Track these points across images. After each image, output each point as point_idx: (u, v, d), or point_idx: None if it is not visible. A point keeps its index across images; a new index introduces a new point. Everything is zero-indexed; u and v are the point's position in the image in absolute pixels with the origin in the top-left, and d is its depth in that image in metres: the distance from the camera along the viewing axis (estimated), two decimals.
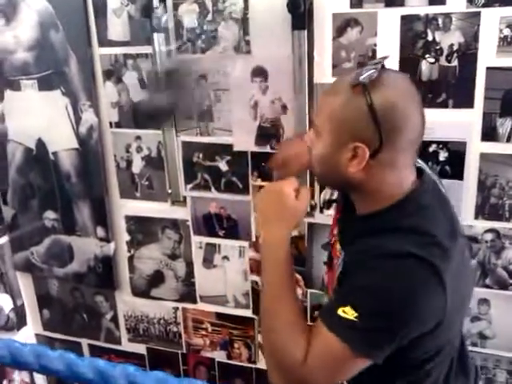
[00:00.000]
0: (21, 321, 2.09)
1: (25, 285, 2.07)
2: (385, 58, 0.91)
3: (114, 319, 1.99)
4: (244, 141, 1.55)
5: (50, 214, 1.88)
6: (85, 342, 2.09)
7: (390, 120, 0.85)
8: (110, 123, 1.69)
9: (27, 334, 2.11)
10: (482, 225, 1.41)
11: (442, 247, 0.86)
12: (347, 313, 0.84)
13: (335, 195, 1.49)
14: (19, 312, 2.07)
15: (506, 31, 1.24)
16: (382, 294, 0.84)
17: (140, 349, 2.00)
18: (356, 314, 0.84)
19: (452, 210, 0.99)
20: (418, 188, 0.93)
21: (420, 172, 0.96)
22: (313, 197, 1.54)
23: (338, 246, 1.06)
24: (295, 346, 0.90)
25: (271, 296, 0.97)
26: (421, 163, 1.03)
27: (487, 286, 1.46)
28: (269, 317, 0.97)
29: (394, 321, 0.84)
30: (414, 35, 1.31)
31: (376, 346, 0.86)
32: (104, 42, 1.59)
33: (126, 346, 2.02)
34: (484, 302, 1.49)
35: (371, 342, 0.85)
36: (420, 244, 0.85)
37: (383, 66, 0.88)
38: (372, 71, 0.85)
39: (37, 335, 2.15)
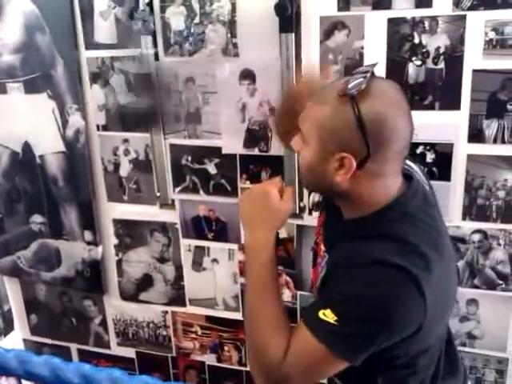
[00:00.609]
0: (8, 326, 2.07)
1: (12, 289, 2.05)
2: (374, 65, 0.90)
3: (103, 323, 1.98)
4: (232, 143, 1.55)
5: (36, 218, 1.86)
6: (74, 347, 2.07)
7: (378, 132, 0.84)
8: (97, 126, 1.68)
9: (15, 340, 2.09)
10: (470, 226, 1.42)
11: (424, 257, 0.86)
12: (327, 316, 0.86)
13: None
14: (6, 317, 2.05)
15: (491, 34, 1.25)
16: (362, 301, 0.85)
17: (129, 353, 1.99)
18: (336, 318, 0.85)
19: (438, 218, 0.99)
20: (403, 195, 0.93)
21: (408, 178, 0.96)
22: (302, 199, 1.54)
23: (322, 247, 1.06)
24: (276, 346, 0.91)
25: (255, 297, 0.98)
26: (411, 165, 1.03)
27: (475, 287, 1.47)
28: (252, 317, 0.98)
29: (371, 327, 0.85)
30: (401, 38, 1.31)
31: (353, 350, 0.87)
32: (91, 44, 1.58)
33: (116, 350, 2.01)
34: (472, 302, 1.50)
35: (349, 345, 0.86)
36: (402, 252, 0.86)
37: (372, 74, 0.88)
38: (360, 80, 0.85)
39: (24, 340, 2.13)
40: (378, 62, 0.95)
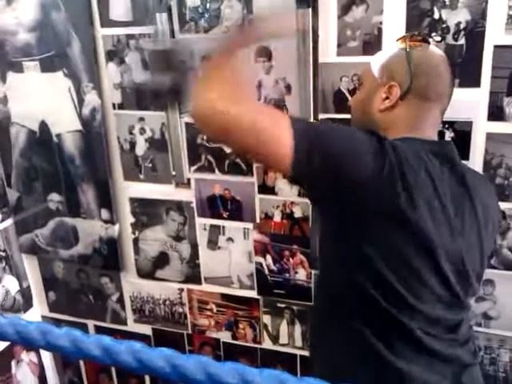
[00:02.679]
0: (27, 303, 2.10)
1: (30, 267, 2.09)
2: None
3: (120, 300, 2.00)
4: None
5: (54, 197, 1.88)
6: (91, 323, 2.11)
7: (423, 67, 1.02)
8: (113, 105, 1.68)
9: (33, 316, 2.13)
10: None
11: (408, 163, 0.92)
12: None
13: None
14: (25, 294, 2.09)
15: None
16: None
17: (146, 330, 2.02)
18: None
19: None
20: (428, 140, 1.02)
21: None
22: None
23: None
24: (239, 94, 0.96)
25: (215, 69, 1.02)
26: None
27: (492, 267, 1.46)
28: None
29: (322, 132, 0.95)
30: (420, 13, 1.29)
31: (304, 138, 0.90)
32: (106, 22, 1.57)
33: (132, 326, 2.04)
34: (489, 282, 1.49)
35: (301, 127, 0.91)
36: (389, 142, 0.94)
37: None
38: (416, 34, 1.08)
39: (43, 317, 2.17)
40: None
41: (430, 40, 1.14)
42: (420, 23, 1.29)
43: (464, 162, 1.36)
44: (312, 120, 1.36)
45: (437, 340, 0.99)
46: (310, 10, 1.33)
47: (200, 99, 0.93)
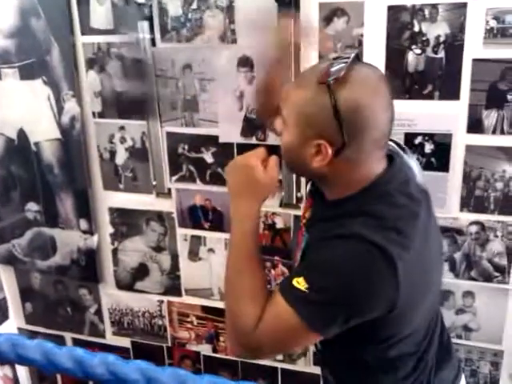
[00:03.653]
0: (3, 314, 2.06)
1: (7, 278, 2.05)
2: (356, 52, 0.91)
3: (98, 312, 1.97)
4: (230, 132, 1.53)
5: (32, 206, 1.85)
6: (68, 336, 2.07)
7: (354, 121, 0.84)
8: (93, 113, 1.66)
9: (9, 328, 2.09)
10: (467, 217, 1.42)
11: (401, 233, 0.87)
12: (300, 283, 0.88)
13: None
14: (1, 305, 2.05)
15: (493, 23, 1.24)
16: (332, 272, 0.86)
17: (125, 342, 1.99)
18: (306, 286, 0.87)
19: (424, 204, 0.98)
20: (383, 176, 0.93)
21: (391, 159, 0.96)
22: (299, 189, 1.53)
23: (303, 228, 1.08)
24: (251, 313, 0.93)
25: (235, 265, 0.99)
26: (395, 150, 1.02)
27: (472, 279, 1.47)
28: (231, 285, 0.99)
29: (337, 299, 0.86)
30: (401, 26, 1.30)
31: (319, 319, 0.87)
32: (87, 30, 1.56)
33: (111, 339, 2.00)
34: (469, 294, 1.49)
35: (315, 313, 0.87)
36: (379, 228, 0.86)
37: (356, 59, 0.88)
38: (340, 67, 0.84)
39: (19, 329, 2.13)
40: (358, 51, 0.99)
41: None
42: (400, 35, 1.30)
43: (444, 174, 1.38)
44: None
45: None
46: (292, 21, 1.33)
47: (233, 343, 0.98)
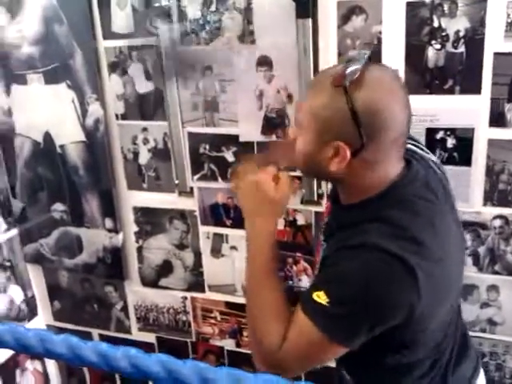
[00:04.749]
0: (32, 312, 2.11)
1: (35, 276, 2.09)
2: (368, 52, 0.91)
3: (124, 309, 2.01)
4: (250, 131, 1.55)
5: (58, 207, 1.89)
6: (95, 332, 2.11)
7: (372, 122, 0.84)
8: (116, 115, 1.69)
9: (38, 325, 2.13)
10: (491, 211, 1.41)
11: (418, 242, 0.86)
12: (320, 297, 0.87)
13: None
14: (30, 303, 2.09)
15: None
16: (352, 284, 0.86)
17: (150, 338, 2.02)
18: (328, 300, 0.86)
19: (446, 204, 0.98)
20: (400, 181, 0.92)
21: (408, 162, 0.96)
22: (320, 185, 1.53)
23: (321, 236, 1.09)
24: (274, 331, 0.93)
25: (255, 285, 1.00)
26: (413, 150, 1.02)
27: (496, 273, 1.46)
28: (252, 303, 1.00)
29: (360, 310, 0.86)
30: (420, 22, 1.29)
31: (345, 332, 0.87)
32: (108, 34, 1.58)
33: (136, 335, 2.04)
34: (493, 288, 1.49)
35: (340, 327, 0.87)
36: (395, 237, 0.86)
37: (369, 60, 0.87)
38: (355, 68, 0.84)
39: (48, 326, 2.17)
40: (371, 51, 0.99)
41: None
42: (419, 32, 1.30)
43: (466, 168, 1.38)
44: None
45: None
46: (310, 20, 1.34)
47: (259, 362, 0.98)
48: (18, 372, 2.04)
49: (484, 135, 1.35)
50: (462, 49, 1.29)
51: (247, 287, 1.02)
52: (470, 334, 1.51)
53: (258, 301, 0.98)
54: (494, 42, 1.26)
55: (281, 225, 1.64)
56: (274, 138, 1.53)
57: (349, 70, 0.84)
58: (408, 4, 1.28)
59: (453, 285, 0.97)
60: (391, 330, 0.88)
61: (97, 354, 0.52)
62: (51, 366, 2.20)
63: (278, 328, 0.93)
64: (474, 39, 1.27)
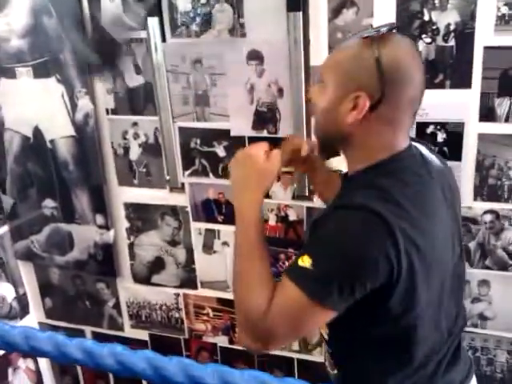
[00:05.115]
0: (23, 309, 2.10)
1: (26, 273, 2.08)
2: (393, 24, 0.96)
3: (116, 306, 2.00)
4: (241, 126, 1.54)
5: (49, 203, 1.88)
6: (88, 330, 2.10)
7: (394, 74, 0.89)
8: (107, 110, 1.68)
9: (30, 323, 2.12)
10: (481, 206, 1.41)
11: (404, 209, 0.88)
12: (304, 261, 0.89)
13: None
14: (21, 301, 2.09)
15: (504, 9, 1.22)
16: (331, 242, 0.89)
17: (143, 335, 2.02)
18: (311, 261, 0.88)
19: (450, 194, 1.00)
20: (402, 152, 0.95)
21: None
22: (311, 181, 1.53)
23: None
24: (260, 298, 0.94)
25: (242, 256, 1.00)
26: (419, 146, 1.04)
27: (487, 267, 1.46)
28: (238, 274, 1.00)
29: (342, 267, 0.87)
30: (410, 15, 1.29)
31: (326, 292, 0.87)
32: (98, 27, 1.57)
33: (129, 332, 2.03)
34: (484, 283, 1.49)
35: (323, 287, 0.87)
36: (377, 198, 0.89)
37: (392, 29, 0.93)
38: (384, 27, 0.92)
39: (40, 323, 2.16)
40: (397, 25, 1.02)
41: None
42: (410, 25, 1.29)
43: (456, 163, 1.37)
44: None
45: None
46: (301, 13, 1.34)
47: (246, 332, 0.98)
48: (10, 371, 2.03)
49: (474, 130, 1.34)
50: (452, 42, 1.28)
51: (235, 258, 1.02)
52: None
53: (246, 270, 0.99)
54: (484, 36, 1.26)
55: (272, 220, 1.63)
56: (265, 132, 1.52)
57: (378, 27, 0.92)
58: None
59: (440, 265, 0.97)
60: (374, 299, 0.89)
61: (82, 352, 0.51)
62: (43, 363, 2.19)
63: (264, 295, 0.94)
64: (465, 33, 1.27)
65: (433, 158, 1.04)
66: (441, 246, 0.96)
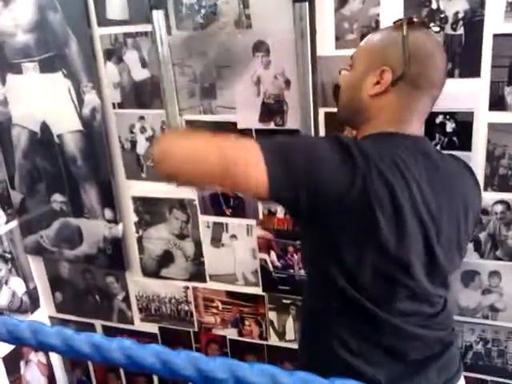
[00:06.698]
0: (34, 304, 2.12)
1: (36, 268, 2.10)
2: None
3: (126, 300, 2.01)
4: (248, 118, 1.53)
5: (57, 197, 1.88)
6: (98, 323, 2.12)
7: (418, 54, 0.99)
8: (113, 104, 1.68)
9: (41, 317, 2.14)
10: (492, 196, 1.39)
11: (374, 147, 0.94)
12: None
13: None
14: (32, 295, 2.10)
15: None
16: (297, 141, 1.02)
17: (152, 328, 2.03)
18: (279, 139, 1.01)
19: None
20: (413, 136, 1.01)
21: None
22: None
23: None
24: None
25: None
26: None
27: (498, 258, 1.44)
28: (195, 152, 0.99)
29: (298, 153, 0.93)
30: (418, 4, 1.27)
31: (276, 162, 0.89)
32: (103, 21, 1.57)
33: (139, 325, 2.04)
34: (495, 274, 1.47)
35: (275, 157, 0.90)
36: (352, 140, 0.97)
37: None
38: (414, 17, 1.04)
39: (50, 318, 2.18)
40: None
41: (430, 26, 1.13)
42: (418, 14, 1.27)
43: (466, 153, 1.36)
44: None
45: (417, 327, 1.05)
46: (307, 3, 1.32)
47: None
48: (22, 364, 2.05)
49: (484, 119, 1.33)
50: (460, 31, 1.27)
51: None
52: (472, 320, 1.51)
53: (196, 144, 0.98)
54: (493, 24, 1.23)
55: (281, 213, 1.63)
56: (272, 125, 1.51)
57: (409, 16, 1.05)
58: None
59: (415, 226, 0.96)
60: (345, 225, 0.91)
61: (90, 346, 0.51)
62: (55, 357, 2.21)
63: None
64: (473, 21, 1.25)
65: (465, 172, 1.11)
66: (416, 203, 0.96)
